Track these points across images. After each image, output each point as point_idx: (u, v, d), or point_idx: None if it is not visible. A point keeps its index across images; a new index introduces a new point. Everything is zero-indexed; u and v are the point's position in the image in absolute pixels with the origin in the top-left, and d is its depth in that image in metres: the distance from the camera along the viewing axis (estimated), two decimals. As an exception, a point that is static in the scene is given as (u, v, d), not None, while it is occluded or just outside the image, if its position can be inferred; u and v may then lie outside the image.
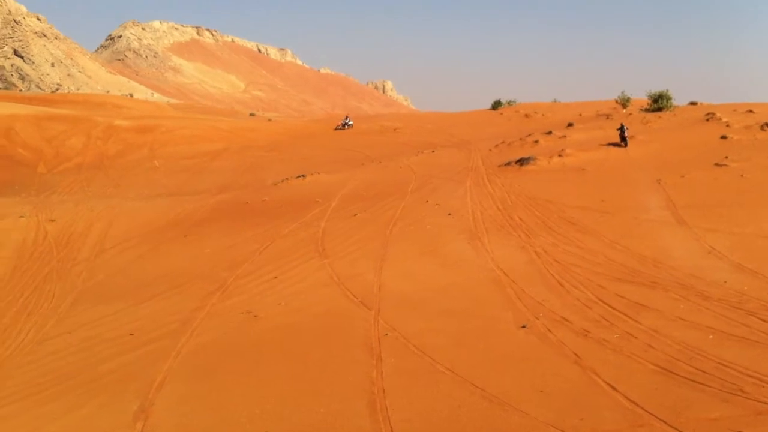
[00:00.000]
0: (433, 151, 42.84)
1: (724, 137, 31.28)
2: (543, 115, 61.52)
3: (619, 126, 35.88)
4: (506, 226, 21.33)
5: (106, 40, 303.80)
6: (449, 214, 23.62)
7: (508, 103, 75.93)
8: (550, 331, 12.50)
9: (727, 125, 34.80)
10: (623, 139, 32.59)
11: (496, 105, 75.74)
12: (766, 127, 31.91)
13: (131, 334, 15.13)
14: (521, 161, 31.41)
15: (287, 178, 36.65)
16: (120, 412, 11.09)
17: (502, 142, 40.74)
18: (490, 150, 39.02)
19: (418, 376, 11.07)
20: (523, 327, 12.85)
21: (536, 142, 38.46)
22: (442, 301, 15.11)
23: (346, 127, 64.57)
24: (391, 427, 9.42)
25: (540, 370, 10.85)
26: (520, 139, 40.53)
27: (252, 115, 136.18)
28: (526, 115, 63.17)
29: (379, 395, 10.47)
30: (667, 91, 48.87)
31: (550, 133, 41.31)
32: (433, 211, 24.48)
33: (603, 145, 33.58)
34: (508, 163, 32.09)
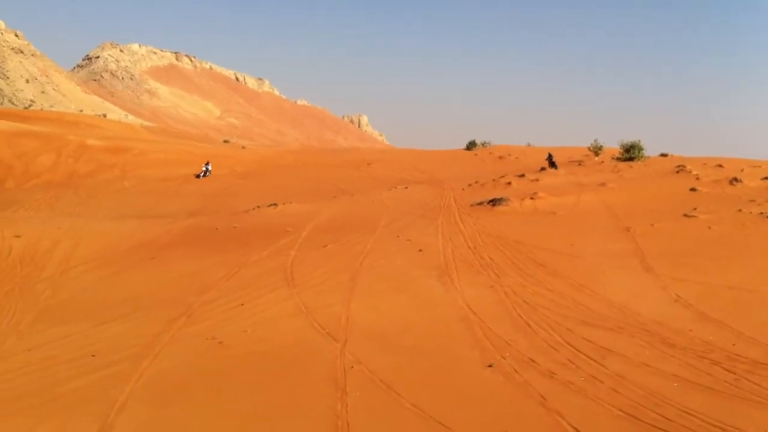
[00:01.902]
0: (406, 188, 43.02)
1: (693, 189, 31.77)
2: (516, 158, 62.18)
3: (547, 155, 48.23)
4: (476, 265, 21.39)
5: (84, 59, 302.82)
6: (420, 251, 23.64)
7: (483, 144, 76.57)
8: (516, 371, 12.48)
9: (697, 178, 35.37)
10: (552, 164, 41.73)
11: (471, 145, 76.37)
12: (734, 182, 32.48)
13: (93, 356, 14.85)
14: (493, 202, 31.62)
15: (259, 206, 36.54)
16: (78, 433, 10.85)
17: (476, 182, 41.05)
18: (463, 189, 39.27)
19: (383, 411, 10.97)
20: (490, 366, 12.82)
21: (509, 183, 38.80)
22: (409, 337, 15.03)
23: (207, 174, 55.25)
24: (354, 462, 9.32)
25: (505, 410, 10.82)
26: (493, 180, 40.89)
27: (226, 141, 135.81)
28: (500, 157, 63.78)
29: (343, 428, 10.35)
30: (639, 141, 49.71)
31: (522, 176, 41.74)
32: (403, 247, 24.49)
33: (575, 190, 33.95)
34: (481, 203, 32.30)
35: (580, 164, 49.62)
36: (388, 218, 30.66)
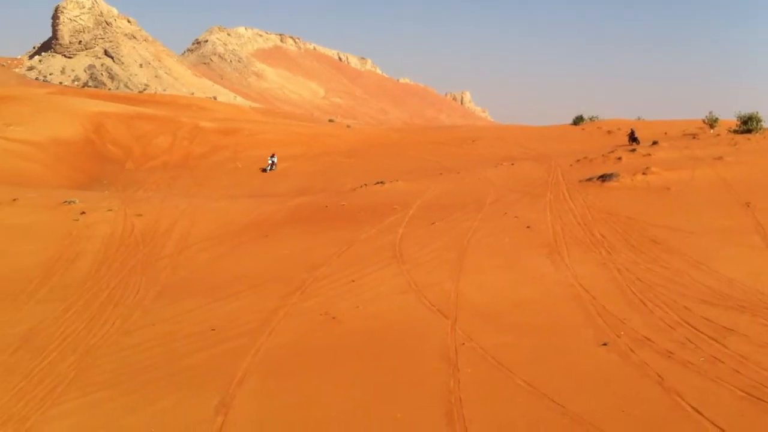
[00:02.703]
0: (512, 164, 42.55)
1: (818, 162, 30.12)
2: (626, 132, 60.43)
3: (629, 131, 49.91)
4: (587, 242, 21.00)
5: (193, 44, 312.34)
6: (528, 228, 23.40)
7: (591, 119, 74.76)
8: (632, 350, 12.23)
9: (822, 149, 33.50)
10: (634, 139, 42.81)
11: (578, 120, 74.69)
12: None
13: (212, 330, 15.46)
14: (603, 177, 30.88)
15: (366, 184, 36.95)
16: (201, 405, 11.35)
17: (584, 158, 40.15)
18: (570, 165, 38.50)
19: (495, 387, 11.00)
20: (604, 345, 12.61)
21: (619, 158, 37.76)
22: (519, 315, 14.96)
23: (272, 167, 51.23)
24: (469, 437, 9.40)
25: (621, 390, 10.63)
26: (603, 155, 39.88)
27: (331, 121, 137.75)
28: (609, 132, 62.13)
29: (456, 405, 10.43)
30: (757, 113, 47.45)
31: (633, 150, 40.55)
32: (511, 224, 24.29)
33: (690, 164, 32.73)
34: (590, 179, 31.59)
35: (694, 137, 47.79)
36: (495, 195, 30.43)
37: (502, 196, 30.26)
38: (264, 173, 49.66)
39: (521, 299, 16.04)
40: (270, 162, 51.13)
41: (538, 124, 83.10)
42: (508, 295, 16.46)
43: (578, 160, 39.64)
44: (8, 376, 13.52)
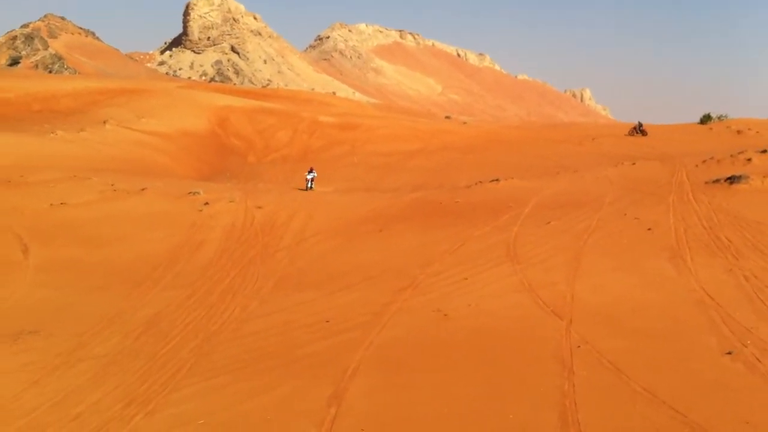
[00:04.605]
0: (633, 163, 41.18)
1: None
2: (757, 132, 57.39)
3: (637, 123, 54.78)
4: (712, 246, 20.10)
5: (315, 40, 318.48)
6: (649, 229, 22.61)
7: (719, 117, 71.35)
8: (759, 360, 11.65)
9: None
10: (639, 131, 45.18)
11: (705, 119, 71.45)
12: None
13: (327, 321, 15.77)
14: (731, 179, 29.43)
15: (481, 181, 36.68)
16: (315, 395, 11.60)
17: (711, 158, 38.38)
18: (696, 166, 36.90)
19: (612, 393, 10.71)
20: (729, 353, 12.06)
21: (749, 160, 35.87)
22: (638, 319, 14.50)
23: (311, 187, 38.68)
24: (583, 442, 9.20)
25: (747, 401, 10.14)
26: (731, 156, 37.99)
27: (447, 117, 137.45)
28: (738, 132, 59.19)
29: (570, 408, 10.23)
30: None
31: (765, 151, 38.47)
32: (631, 225, 23.53)
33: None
34: (717, 181, 30.17)
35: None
36: (614, 195, 29.56)
37: (622, 196, 29.35)
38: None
39: (640, 303, 15.55)
40: (308, 179, 38.77)
41: (661, 123, 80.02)
42: (627, 298, 15.98)
43: (704, 161, 37.94)
44: (133, 360, 14.25)
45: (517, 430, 9.74)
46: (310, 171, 38.84)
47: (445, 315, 15.47)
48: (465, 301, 16.49)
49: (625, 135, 55.57)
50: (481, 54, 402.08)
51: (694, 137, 58.81)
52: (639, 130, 50.62)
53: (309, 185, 37.99)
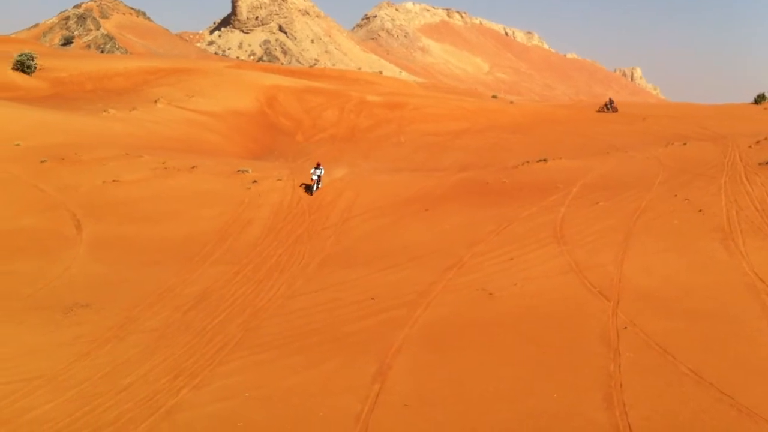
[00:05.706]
0: (684, 144, 40.36)
1: None
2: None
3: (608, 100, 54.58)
4: (765, 230, 19.70)
5: (362, 19, 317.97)
6: (700, 211, 22.23)
7: (774, 98, 69.47)
8: (811, 345, 11.46)
9: None
10: (611, 107, 45.63)
11: (760, 99, 69.55)
12: None
13: (372, 299, 15.90)
14: (787, 160, 28.72)
15: (528, 161, 36.35)
16: (359, 372, 11.76)
17: (765, 139, 37.47)
18: (749, 146, 36.03)
19: (658, 374, 10.64)
20: (780, 338, 11.88)
21: (806, 140, 34.93)
22: (687, 301, 14.34)
23: (318, 186, 30.48)
24: (628, 423, 9.18)
25: (797, 386, 10.00)
26: (787, 136, 37.06)
27: (494, 97, 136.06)
28: (795, 111, 57.63)
29: (616, 389, 10.21)
30: None
31: (822, 131, 37.41)
32: (681, 206, 23.15)
33: None
34: (772, 162, 29.48)
35: None
36: (665, 176, 29.06)
37: (673, 176, 28.83)
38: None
39: (689, 285, 15.36)
40: (314, 178, 30.98)
41: (714, 102, 78.20)
42: (675, 280, 15.80)
43: (758, 142, 37.03)
44: (181, 334, 14.58)
45: (561, 410, 9.75)
46: (318, 167, 31.67)
47: (491, 294, 15.48)
48: (510, 281, 16.47)
49: (596, 111, 56.65)
50: (529, 32, 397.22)
51: (748, 117, 57.34)
52: (609, 106, 52.21)
53: (316, 186, 30.39)
